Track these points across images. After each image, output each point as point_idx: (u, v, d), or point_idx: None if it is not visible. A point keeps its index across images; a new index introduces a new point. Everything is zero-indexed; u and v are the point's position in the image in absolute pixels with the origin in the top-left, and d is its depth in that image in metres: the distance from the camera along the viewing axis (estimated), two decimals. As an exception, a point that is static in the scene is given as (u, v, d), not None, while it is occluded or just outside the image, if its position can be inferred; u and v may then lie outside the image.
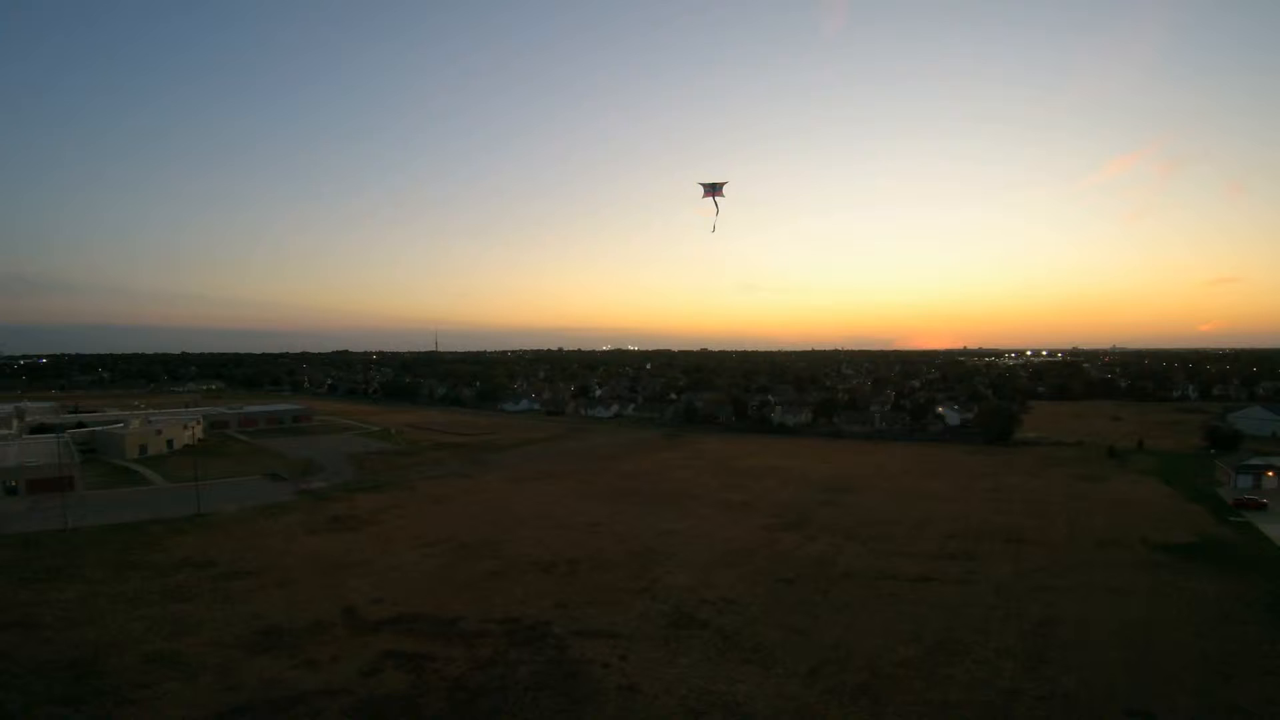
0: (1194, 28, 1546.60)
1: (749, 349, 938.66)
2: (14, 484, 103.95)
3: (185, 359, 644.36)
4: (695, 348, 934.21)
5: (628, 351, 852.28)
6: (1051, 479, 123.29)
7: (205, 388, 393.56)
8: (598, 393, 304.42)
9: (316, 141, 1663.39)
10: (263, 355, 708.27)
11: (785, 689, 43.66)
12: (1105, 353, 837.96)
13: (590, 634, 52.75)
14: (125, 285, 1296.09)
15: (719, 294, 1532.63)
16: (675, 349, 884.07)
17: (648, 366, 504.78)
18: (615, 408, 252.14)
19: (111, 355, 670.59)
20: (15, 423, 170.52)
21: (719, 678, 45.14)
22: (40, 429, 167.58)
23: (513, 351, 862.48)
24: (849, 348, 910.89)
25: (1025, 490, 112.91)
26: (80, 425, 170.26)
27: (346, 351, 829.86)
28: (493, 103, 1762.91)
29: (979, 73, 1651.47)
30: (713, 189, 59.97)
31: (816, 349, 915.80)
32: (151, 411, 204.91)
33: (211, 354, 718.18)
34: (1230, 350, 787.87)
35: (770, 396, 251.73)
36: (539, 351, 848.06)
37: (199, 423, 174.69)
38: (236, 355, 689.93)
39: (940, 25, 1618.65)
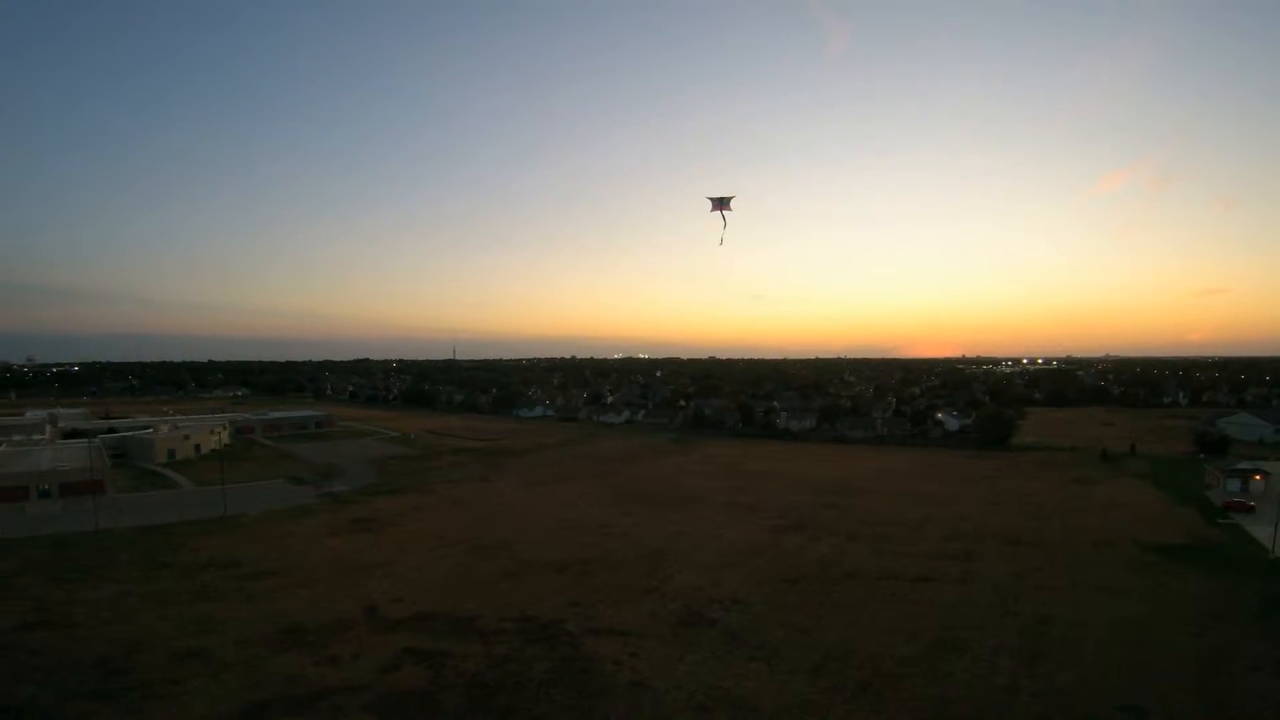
0: (1185, 50, 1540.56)
1: (756, 357, 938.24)
2: (47, 487, 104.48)
3: (212, 367, 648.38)
4: (704, 356, 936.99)
5: (638, 360, 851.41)
6: (1047, 482, 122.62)
7: (231, 395, 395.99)
8: (609, 399, 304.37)
9: (339, 158, 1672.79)
10: (286, 363, 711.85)
11: (790, 685, 43.51)
12: (1099, 361, 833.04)
13: (602, 632, 52.72)
14: (154, 296, 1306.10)
15: (727, 304, 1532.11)
16: (684, 357, 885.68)
17: (658, 374, 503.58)
18: (626, 414, 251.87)
19: (141, 363, 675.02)
20: (49, 428, 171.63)
21: (726, 674, 45.03)
22: (73, 434, 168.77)
23: (528, 360, 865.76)
24: (852, 356, 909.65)
25: (1022, 493, 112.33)
26: (111, 431, 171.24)
27: (367, 359, 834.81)
28: (509, 120, 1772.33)
29: (977, 91, 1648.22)
30: (721, 203, 59.73)
31: (821, 357, 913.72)
32: (179, 417, 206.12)
33: (237, 362, 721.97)
34: (1219, 358, 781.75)
35: (776, 403, 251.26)
36: (553, 359, 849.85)
37: (225, 428, 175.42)
38: (261, 363, 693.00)
39: (939, 46, 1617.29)
